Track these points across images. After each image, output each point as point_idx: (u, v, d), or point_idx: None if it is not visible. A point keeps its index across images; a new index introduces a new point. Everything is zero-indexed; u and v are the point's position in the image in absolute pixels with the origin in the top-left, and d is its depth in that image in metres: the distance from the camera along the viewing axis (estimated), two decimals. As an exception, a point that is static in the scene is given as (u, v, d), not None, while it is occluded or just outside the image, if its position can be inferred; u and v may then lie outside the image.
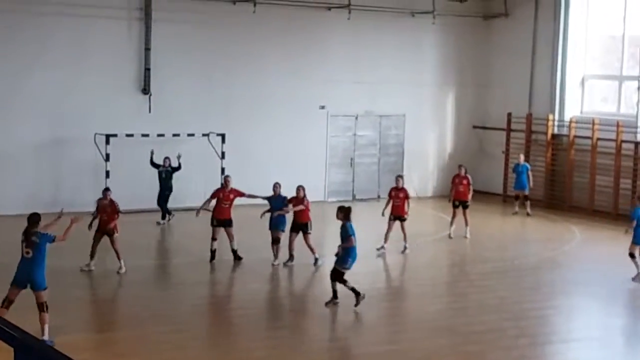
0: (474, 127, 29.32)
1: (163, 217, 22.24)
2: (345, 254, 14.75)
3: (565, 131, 26.88)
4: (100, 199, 17.28)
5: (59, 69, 23.02)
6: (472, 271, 18.25)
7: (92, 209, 22.59)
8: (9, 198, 22.17)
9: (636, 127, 24.77)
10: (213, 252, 17.99)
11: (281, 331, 13.80)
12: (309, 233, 18.05)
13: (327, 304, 14.77)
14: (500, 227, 23.67)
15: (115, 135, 22.71)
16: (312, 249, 18.00)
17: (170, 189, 22.35)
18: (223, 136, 24.03)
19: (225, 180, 18.49)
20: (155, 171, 22.53)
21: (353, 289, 14.61)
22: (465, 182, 21.53)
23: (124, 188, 23.01)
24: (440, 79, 28.63)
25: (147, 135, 23.30)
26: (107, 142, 22.56)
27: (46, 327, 12.18)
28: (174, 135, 23.71)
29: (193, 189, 23.44)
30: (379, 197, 26.77)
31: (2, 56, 22.37)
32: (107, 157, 22.63)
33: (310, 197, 25.87)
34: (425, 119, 28.43)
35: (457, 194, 21.46)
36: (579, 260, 20.00)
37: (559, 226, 23.71)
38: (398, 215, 19.43)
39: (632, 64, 25.85)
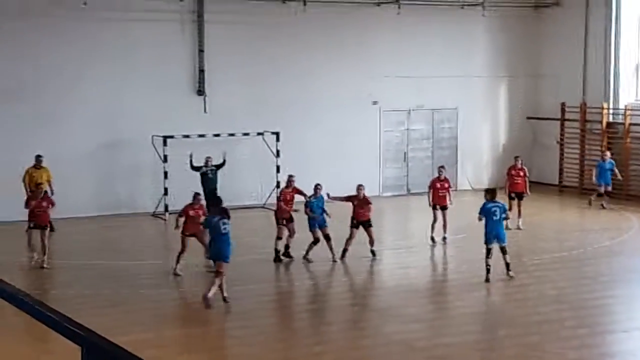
0: (528, 117, 29.18)
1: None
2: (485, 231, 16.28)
3: (620, 119, 26.66)
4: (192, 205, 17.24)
5: (114, 73, 23.46)
6: (529, 262, 18.24)
7: (151, 210, 23.13)
8: (71, 202, 22.64)
9: (693, 113, 24.49)
10: (278, 251, 18.21)
11: (341, 325, 13.99)
12: (372, 227, 18.23)
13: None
14: (557, 218, 23.59)
15: (172, 137, 23.08)
16: (373, 241, 18.18)
17: (216, 188, 22.32)
18: (277, 134, 24.29)
19: (290, 180, 18.69)
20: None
21: (506, 264, 16.42)
22: (522, 173, 21.55)
23: (182, 189, 23.40)
24: (492, 70, 28.55)
25: (203, 136, 23.64)
26: (165, 143, 22.93)
27: (213, 288, 14.33)
28: (230, 135, 24.02)
29: (249, 187, 23.78)
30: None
31: (57, 62, 22.84)
32: (165, 159, 23.01)
33: (366, 192, 26.14)
34: (478, 111, 28.38)
35: (514, 185, 21.46)
36: (637, 248, 19.87)
37: (616, 215, 23.55)
38: (442, 205, 19.71)
39: (687, 49, 25.54)
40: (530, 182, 22.43)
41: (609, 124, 26.92)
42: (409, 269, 18.20)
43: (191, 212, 16.90)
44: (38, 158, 21.23)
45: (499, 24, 28.28)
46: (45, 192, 17.92)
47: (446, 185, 20.01)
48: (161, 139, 23.00)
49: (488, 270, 16.28)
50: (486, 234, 16.30)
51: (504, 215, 16.58)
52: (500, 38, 28.46)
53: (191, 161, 22.21)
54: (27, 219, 17.70)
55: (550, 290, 15.94)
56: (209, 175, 22.36)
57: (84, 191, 23.04)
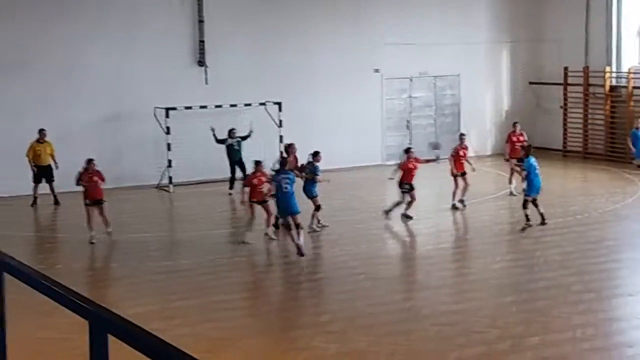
0: (530, 83, 29.05)
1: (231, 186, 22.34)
2: (527, 184, 17.81)
3: (623, 82, 26.54)
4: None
5: (115, 46, 23.36)
6: (535, 228, 18.22)
7: (155, 182, 23.11)
8: (74, 174, 22.59)
9: (697, 75, 24.36)
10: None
11: (349, 294, 13.99)
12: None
13: (521, 229, 17.55)
14: (561, 183, 23.52)
15: (174, 109, 23.02)
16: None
17: (242, 158, 22.38)
18: (279, 104, 24.20)
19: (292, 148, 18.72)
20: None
21: (540, 214, 17.92)
22: (522, 139, 21.51)
23: (185, 160, 23.40)
24: (494, 36, 28.39)
25: (205, 107, 23.57)
26: (167, 115, 22.88)
27: (300, 238, 15.82)
28: (232, 105, 23.95)
29: (252, 157, 23.64)
30: (437, 157, 26.67)
31: (59, 34, 22.75)
32: (167, 130, 22.96)
33: (368, 160, 26.19)
34: (480, 77, 28.25)
35: (514, 151, 21.41)
36: (643, 212, 19.85)
37: (621, 179, 23.50)
38: (463, 171, 20.08)
39: (691, 11, 25.36)
40: (534, 147, 22.30)
41: (612, 88, 26.81)
42: (415, 237, 18.20)
43: (255, 181, 17.21)
44: (41, 132, 21.22)
45: (501, -11, 28.08)
46: (92, 162, 17.79)
47: (467, 151, 20.60)
48: (163, 110, 22.94)
49: (528, 218, 17.79)
50: (531, 186, 17.77)
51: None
52: (502, 3, 28.27)
53: (214, 135, 22.25)
54: (82, 195, 17.61)
55: (555, 256, 15.94)
56: (234, 147, 22.38)
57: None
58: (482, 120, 28.44)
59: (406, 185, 18.92)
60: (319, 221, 18.21)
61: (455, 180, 19.97)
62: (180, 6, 24.12)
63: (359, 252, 16.55)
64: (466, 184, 19.99)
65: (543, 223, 17.94)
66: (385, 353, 11.30)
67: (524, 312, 12.86)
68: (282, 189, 16.00)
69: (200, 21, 24.20)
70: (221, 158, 23.53)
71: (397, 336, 11.86)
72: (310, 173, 18.04)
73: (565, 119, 27.93)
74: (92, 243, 17.20)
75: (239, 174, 22.20)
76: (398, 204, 19.03)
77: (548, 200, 21.01)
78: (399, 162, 19.48)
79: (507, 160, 21.60)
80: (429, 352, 11.34)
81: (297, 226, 15.94)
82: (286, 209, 16.02)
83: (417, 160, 19.07)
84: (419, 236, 18.35)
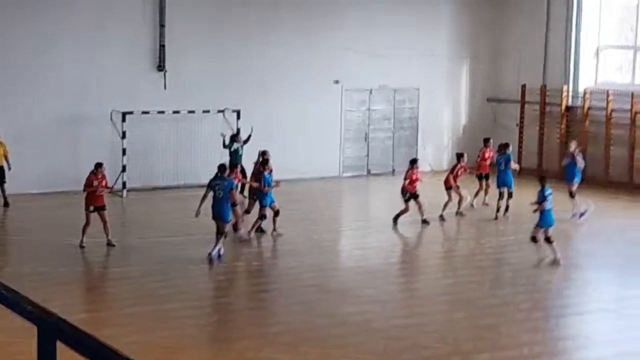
0: (488, 99, 29.29)
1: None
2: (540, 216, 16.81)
3: (579, 102, 26.86)
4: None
5: (74, 47, 23.12)
6: (487, 244, 18.38)
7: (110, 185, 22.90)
8: (28, 177, 22.36)
9: (651, 98, 24.74)
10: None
11: (297, 306, 13.99)
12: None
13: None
14: (515, 201, 23.64)
15: (131, 113, 22.86)
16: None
17: (241, 163, 22.34)
18: (238, 112, 24.14)
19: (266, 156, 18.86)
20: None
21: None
22: (491, 154, 22.26)
23: (140, 165, 23.26)
24: (454, 51, 28.58)
25: (162, 112, 23.45)
26: (124, 119, 22.72)
27: (217, 247, 16.19)
28: (190, 112, 23.85)
29: (208, 164, 23.55)
30: (393, 171, 26.86)
31: (15, 38, 22.46)
32: (123, 135, 22.80)
33: (326, 172, 26.22)
34: (439, 92, 28.41)
35: (485, 167, 22.09)
36: (593, 231, 20.09)
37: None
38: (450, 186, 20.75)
39: (647, 34, 25.76)
40: (490, 164, 22.65)
41: (568, 108, 27.12)
42: (366, 250, 18.24)
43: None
44: (-6, 132, 20.95)
45: (462, 5, 28.30)
46: (102, 167, 17.61)
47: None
48: (120, 114, 22.77)
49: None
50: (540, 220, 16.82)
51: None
52: (463, 19, 28.48)
53: (224, 141, 22.12)
54: (85, 201, 17.23)
55: (506, 273, 16.09)
56: (239, 152, 22.32)
57: (41, 166, 22.74)
58: (440, 134, 28.60)
59: (407, 194, 19.53)
60: (274, 229, 18.22)
61: (449, 193, 20.58)
62: (142, 10, 23.97)
63: (312, 264, 16.55)
64: (460, 196, 20.68)
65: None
66: (333, 366, 11.32)
67: (473, 328, 12.96)
68: (215, 193, 16.38)
69: (162, 26, 24.06)
70: (176, 164, 23.48)
71: (347, 349, 11.88)
72: (259, 183, 18.07)
73: (521, 137, 28.20)
74: (83, 247, 17.04)
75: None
76: (403, 212, 19.50)
77: (501, 217, 21.20)
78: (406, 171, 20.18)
79: (477, 176, 22.06)
80: (377, 367, 11.36)
81: (221, 234, 16.23)
82: (214, 214, 16.37)
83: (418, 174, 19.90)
84: (372, 249, 18.39)
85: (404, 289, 15.49)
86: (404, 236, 19.52)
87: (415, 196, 19.56)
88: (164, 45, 24.12)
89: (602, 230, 20.31)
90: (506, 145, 21.74)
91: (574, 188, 20.19)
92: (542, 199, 16.74)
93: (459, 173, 20.89)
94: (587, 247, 18.59)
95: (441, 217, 20.26)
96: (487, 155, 22.35)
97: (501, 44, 28.98)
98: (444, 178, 21.21)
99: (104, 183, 17.36)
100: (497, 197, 20.97)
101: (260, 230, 18.47)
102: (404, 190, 19.66)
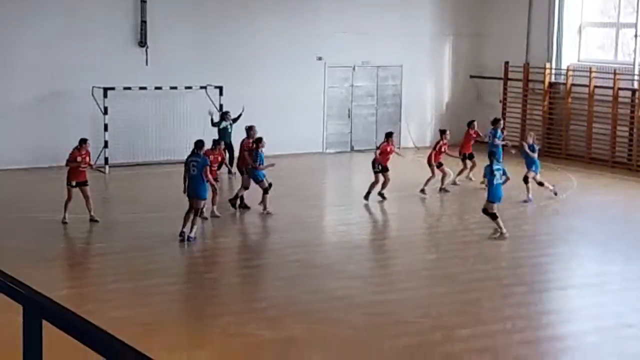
0: (471, 76, 29.28)
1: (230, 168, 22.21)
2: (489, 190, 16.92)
3: (562, 79, 26.89)
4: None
5: (55, 23, 22.91)
6: (470, 220, 18.39)
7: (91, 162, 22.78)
8: (9, 153, 22.21)
9: (633, 75, 24.79)
10: (237, 196, 18.54)
11: (281, 282, 13.97)
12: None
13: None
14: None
15: (113, 89, 22.69)
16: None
17: (230, 141, 22.33)
18: (221, 89, 24.01)
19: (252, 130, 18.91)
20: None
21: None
22: (475, 136, 22.40)
23: (122, 141, 23.13)
24: (437, 28, 28.51)
25: (144, 88, 23.29)
26: (105, 95, 22.54)
27: (194, 227, 15.79)
28: (172, 88, 23.69)
29: (191, 141, 23.41)
30: (377, 147, 26.76)
31: (-3, 11, 22.27)
32: (105, 111, 22.64)
33: (309, 148, 26.18)
34: (422, 69, 28.36)
35: (469, 147, 22.28)
36: (576, 208, 20.16)
37: (556, 174, 23.79)
38: (440, 162, 20.91)
39: (630, 11, 25.76)
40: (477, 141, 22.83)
41: (551, 84, 27.15)
42: (350, 226, 18.22)
43: (211, 158, 17.41)
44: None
45: (445, -18, 28.23)
46: (87, 143, 17.46)
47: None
48: (101, 90, 22.59)
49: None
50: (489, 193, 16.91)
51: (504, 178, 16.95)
52: (446, -4, 28.39)
53: (212, 119, 22.26)
54: (67, 176, 17.07)
55: (489, 248, 16.11)
56: (228, 130, 22.30)
57: (22, 143, 22.58)
58: (423, 111, 28.57)
59: (379, 166, 19.53)
60: (265, 207, 18.14)
61: (432, 169, 20.60)
62: (123, -15, 23.74)
63: (296, 240, 16.52)
64: (444, 173, 20.73)
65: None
66: (318, 341, 11.32)
67: (456, 303, 12.98)
68: (190, 171, 16.06)
69: (143, 1, 23.85)
70: (159, 140, 23.40)
71: (331, 324, 11.88)
72: (253, 161, 18.04)
73: (504, 114, 28.20)
74: (65, 223, 16.93)
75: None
76: (373, 185, 19.46)
77: (483, 194, 21.20)
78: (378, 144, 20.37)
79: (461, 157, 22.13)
80: (361, 341, 11.37)
81: (196, 212, 15.91)
82: (189, 192, 16.01)
83: (393, 146, 20.07)
84: (355, 225, 18.37)
85: (387, 264, 15.49)
86: (387, 212, 19.52)
87: (385, 169, 19.62)
88: (145, 21, 23.93)
89: (585, 206, 20.38)
90: (495, 120, 22.51)
91: (531, 175, 20.14)
92: (488, 174, 16.87)
93: (442, 149, 20.89)
94: (571, 223, 18.64)
95: (422, 191, 20.24)
96: (471, 136, 22.37)
97: (484, 21, 28.93)
98: (427, 154, 21.20)
99: (87, 159, 17.22)
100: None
101: (244, 206, 18.41)
102: (375, 162, 19.71)
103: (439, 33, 28.55)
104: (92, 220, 17.10)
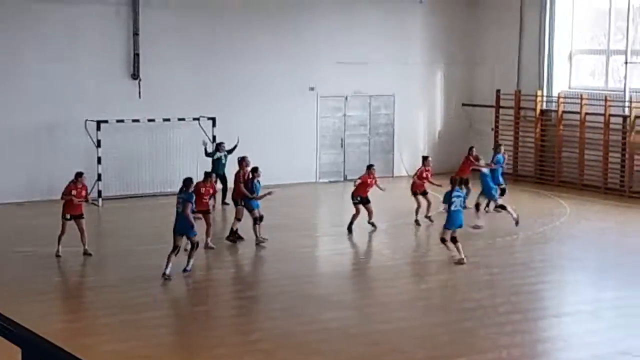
0: (463, 104, 29.42)
1: (224, 199, 22.24)
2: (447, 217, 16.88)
3: (553, 107, 27.02)
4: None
5: (49, 56, 22.98)
6: (464, 248, 18.37)
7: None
8: (2, 187, 22.19)
9: (624, 101, 24.92)
10: (234, 231, 18.41)
11: (277, 313, 13.94)
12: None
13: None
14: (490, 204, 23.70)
15: (106, 122, 22.74)
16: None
17: (224, 172, 22.45)
18: (214, 120, 24.08)
19: (245, 162, 18.88)
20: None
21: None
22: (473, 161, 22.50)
23: (115, 174, 23.15)
24: (428, 57, 28.69)
25: (137, 121, 23.35)
26: (98, 128, 22.59)
27: (191, 261, 15.68)
28: (165, 120, 23.75)
29: (184, 173, 23.47)
30: (357, 179, 26.84)
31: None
32: (98, 144, 22.67)
33: (302, 178, 26.22)
34: (415, 98, 28.49)
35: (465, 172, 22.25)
36: (569, 235, 20.18)
37: (549, 201, 23.89)
38: (424, 190, 20.84)
39: (619, 38, 25.95)
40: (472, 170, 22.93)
41: (542, 112, 27.28)
42: (343, 256, 18.22)
43: (202, 190, 17.37)
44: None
45: (436, 11, 28.42)
46: (83, 176, 17.44)
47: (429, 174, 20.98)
48: (94, 123, 22.64)
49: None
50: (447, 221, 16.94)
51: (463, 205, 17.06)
52: (437, 25, 28.60)
53: (205, 149, 22.44)
54: (62, 209, 17.07)
55: (483, 276, 16.11)
56: (222, 162, 22.40)
57: (15, 176, 22.58)
58: (416, 140, 28.67)
59: (358, 197, 19.50)
60: (256, 236, 18.15)
61: (417, 199, 20.52)
62: (115, 18, 23.87)
63: (289, 270, 16.51)
64: (429, 202, 20.51)
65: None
66: (312, 372, 11.28)
67: (451, 332, 12.96)
68: (176, 208, 15.79)
69: (135, 34, 23.97)
70: (152, 172, 23.44)
71: (327, 355, 11.86)
72: (250, 192, 18.06)
73: (496, 141, 28.27)
74: (59, 256, 16.90)
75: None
76: (354, 217, 19.46)
77: (477, 221, 21.23)
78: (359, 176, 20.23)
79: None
80: (356, 372, 11.33)
81: (192, 246, 15.65)
82: (175, 228, 15.61)
83: (375, 179, 19.85)
84: (348, 255, 18.38)
85: (382, 294, 15.45)
86: (379, 241, 19.52)
87: (366, 200, 19.56)
88: (138, 54, 24.03)
89: (578, 233, 20.40)
90: (497, 146, 22.96)
91: (483, 203, 20.13)
92: (447, 200, 16.84)
93: (424, 176, 20.81)
94: (564, 250, 18.66)
95: (417, 222, 20.26)
96: (468, 162, 22.44)
97: (475, 49, 29.12)
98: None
99: (83, 193, 17.18)
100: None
101: (238, 237, 18.38)
102: (354, 194, 19.65)
103: (430, 62, 28.72)
104: (86, 253, 17.07)
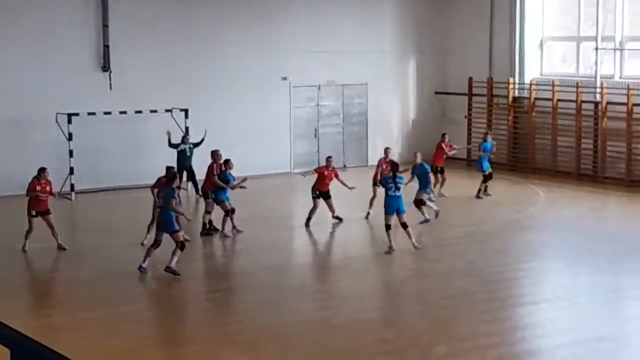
0: (436, 92, 29.45)
1: (197, 192, 22.00)
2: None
3: (525, 94, 27.12)
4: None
5: (17, 49, 22.73)
6: (440, 236, 18.42)
7: (56, 190, 22.56)
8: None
9: (595, 87, 25.05)
10: (205, 224, 18.26)
11: (256, 305, 13.88)
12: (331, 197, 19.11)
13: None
14: (465, 192, 23.79)
15: (77, 115, 22.51)
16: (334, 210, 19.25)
17: (191, 165, 22.29)
18: (186, 111, 23.92)
19: (217, 154, 18.60)
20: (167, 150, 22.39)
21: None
22: (448, 148, 22.74)
23: (87, 167, 22.93)
24: (401, 46, 28.67)
25: (109, 113, 23.14)
26: (69, 121, 22.36)
27: (175, 258, 14.96)
28: (137, 112, 23.56)
29: (157, 165, 23.30)
30: (344, 166, 26.86)
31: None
32: (69, 137, 22.44)
33: (276, 169, 26.14)
34: (387, 87, 28.49)
35: (441, 160, 22.58)
36: (545, 221, 20.28)
37: (523, 188, 23.97)
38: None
39: (590, 24, 26.06)
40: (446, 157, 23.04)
41: (514, 99, 27.37)
42: (319, 246, 18.19)
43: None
44: None
45: (406, 0, 28.40)
46: (46, 172, 17.11)
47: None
48: (65, 116, 22.40)
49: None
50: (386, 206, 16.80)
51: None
52: (409, 14, 28.58)
53: (169, 139, 22.21)
54: (27, 206, 16.85)
55: (460, 265, 16.13)
56: (186, 154, 22.23)
57: (-14, 171, 22.31)
58: (389, 129, 28.66)
59: (317, 191, 19.06)
60: (234, 226, 18.06)
61: (374, 190, 19.89)
62: (85, 10, 23.61)
63: (266, 261, 16.43)
64: (375, 194, 19.86)
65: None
66: (294, 364, 11.23)
67: (431, 321, 12.97)
68: (157, 202, 15.61)
69: (105, 26, 23.72)
70: (125, 165, 23.25)
71: (307, 347, 11.82)
72: (225, 183, 17.95)
73: (469, 129, 28.40)
74: (25, 251, 16.75)
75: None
76: (311, 211, 19.07)
77: (453, 209, 21.31)
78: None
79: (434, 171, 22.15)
80: (338, 363, 11.31)
81: (177, 244, 15.08)
82: (159, 225, 15.35)
83: (334, 172, 19.21)
84: (326, 245, 18.35)
85: (360, 284, 15.40)
86: (357, 231, 19.48)
87: (326, 195, 18.99)
88: (108, 46, 23.79)
89: (553, 219, 20.49)
90: (485, 134, 23.29)
91: (425, 196, 19.77)
92: (384, 185, 16.86)
93: (385, 166, 19.95)
94: (540, 237, 18.74)
95: (367, 215, 19.74)
96: (441, 149, 22.54)
97: (447, 38, 29.14)
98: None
99: (47, 189, 16.97)
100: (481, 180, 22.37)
101: (213, 229, 18.29)
102: (313, 187, 19.12)
103: (402, 51, 28.71)
104: (60, 248, 16.89)
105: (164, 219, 15.23)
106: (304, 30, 26.66)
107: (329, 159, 19.58)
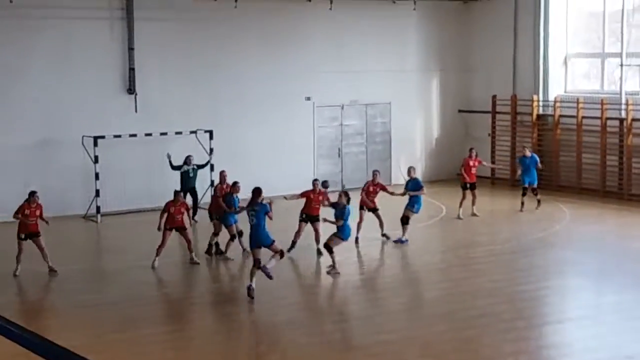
0: (460, 111, 29.41)
1: (194, 216, 22.00)
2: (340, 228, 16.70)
3: (550, 111, 27.03)
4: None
5: (43, 72, 22.97)
6: (465, 255, 18.36)
7: (82, 212, 22.70)
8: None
9: (620, 104, 24.93)
10: (211, 245, 18.27)
11: (279, 326, 13.88)
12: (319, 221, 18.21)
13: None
14: (490, 210, 23.73)
15: (102, 137, 22.69)
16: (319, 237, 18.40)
17: (195, 186, 22.42)
18: (211, 133, 24.05)
19: (223, 176, 18.71)
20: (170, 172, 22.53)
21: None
22: (477, 164, 22.66)
23: (113, 189, 23.07)
24: (424, 65, 28.70)
25: (134, 136, 23.30)
26: (95, 144, 22.52)
27: (273, 261, 15.16)
28: (162, 134, 23.71)
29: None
30: (343, 186, 26.79)
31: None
32: (95, 159, 22.61)
33: (300, 188, 26.05)
34: (411, 105, 28.50)
35: (471, 176, 22.45)
36: (570, 239, 20.16)
37: (548, 206, 23.84)
38: (372, 208, 19.58)
39: (614, 40, 25.97)
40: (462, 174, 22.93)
41: (539, 116, 27.28)
42: (343, 266, 18.14)
43: (172, 210, 17.34)
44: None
45: (430, 18, 28.45)
46: (36, 195, 17.23)
47: (378, 189, 19.68)
48: (92, 139, 22.58)
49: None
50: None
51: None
52: (432, 32, 28.62)
53: (170, 162, 22.27)
54: (17, 229, 16.95)
55: (486, 284, 16.06)
56: (190, 175, 22.34)
57: (11, 193, 22.43)
58: (413, 148, 28.65)
59: (303, 215, 18.45)
60: (244, 249, 18.01)
61: (361, 213, 19.52)
62: (110, 34, 23.85)
63: (290, 282, 16.43)
64: (380, 220, 19.57)
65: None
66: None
67: (456, 341, 12.91)
68: (249, 221, 15.47)
69: (131, 49, 23.94)
70: (150, 187, 23.36)
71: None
72: (228, 206, 17.86)
73: (493, 147, 28.32)
74: (16, 275, 16.80)
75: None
76: (296, 234, 18.50)
77: (478, 227, 21.24)
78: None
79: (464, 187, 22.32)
80: (361, 384, 11.28)
81: (277, 253, 15.30)
82: (252, 241, 15.33)
83: (322, 195, 18.38)
84: (349, 265, 18.31)
85: (384, 304, 15.39)
86: (379, 252, 19.43)
87: (314, 219, 18.23)
88: (133, 68, 24.00)
89: (578, 237, 20.39)
90: (523, 147, 23.75)
91: (411, 214, 19.51)
92: (340, 215, 16.67)
93: (371, 190, 19.55)
94: (565, 255, 18.64)
95: (356, 237, 19.23)
96: (471, 164, 22.46)
97: (470, 56, 29.13)
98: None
99: (37, 212, 16.99)
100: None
101: (220, 252, 18.22)
102: (301, 210, 18.48)
103: (426, 69, 28.73)
104: (51, 270, 16.86)
105: (257, 234, 15.16)
106: (327, 50, 26.76)
107: (315, 182, 18.65)
